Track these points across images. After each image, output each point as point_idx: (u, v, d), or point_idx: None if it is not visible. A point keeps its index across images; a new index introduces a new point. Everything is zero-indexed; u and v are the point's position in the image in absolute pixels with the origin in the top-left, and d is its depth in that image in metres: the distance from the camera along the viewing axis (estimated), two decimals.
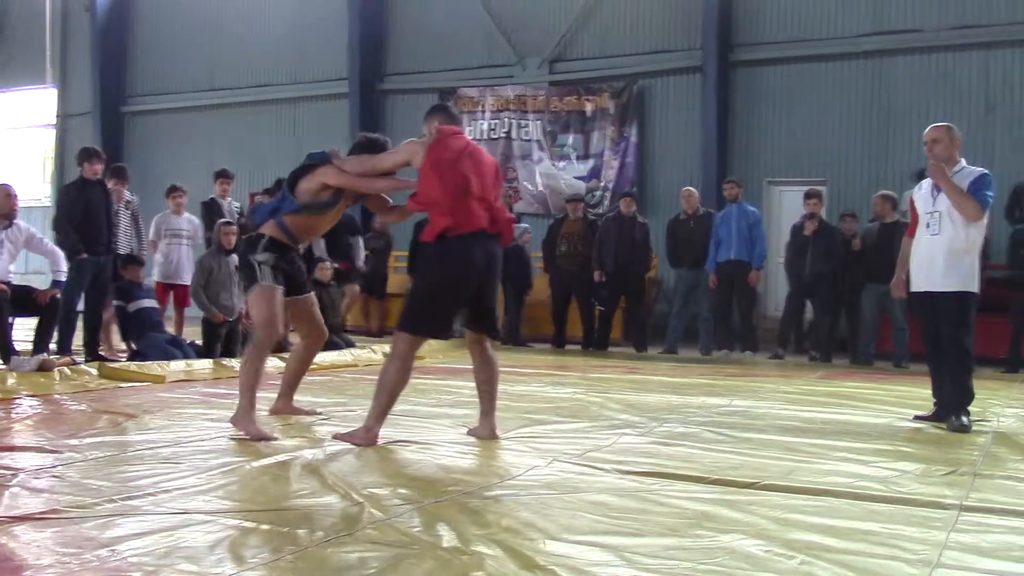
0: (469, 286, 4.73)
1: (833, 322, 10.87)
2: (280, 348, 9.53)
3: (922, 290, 5.83)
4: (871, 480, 4.03)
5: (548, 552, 2.89)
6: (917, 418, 5.93)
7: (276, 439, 4.74)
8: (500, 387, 5.03)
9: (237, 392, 4.92)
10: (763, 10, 14.10)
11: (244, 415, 4.83)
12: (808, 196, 10.87)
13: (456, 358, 7.93)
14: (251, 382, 4.90)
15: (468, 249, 4.67)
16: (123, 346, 9.07)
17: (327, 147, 5.11)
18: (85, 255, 8.37)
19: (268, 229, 5.05)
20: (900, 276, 6.17)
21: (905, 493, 3.79)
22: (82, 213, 8.55)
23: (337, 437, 4.74)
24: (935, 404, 5.94)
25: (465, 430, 5.06)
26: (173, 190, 10.21)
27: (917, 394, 7.39)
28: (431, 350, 10.09)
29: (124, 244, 9.32)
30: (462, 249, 4.66)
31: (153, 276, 9.99)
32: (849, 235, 10.59)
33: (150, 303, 8.95)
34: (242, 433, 4.76)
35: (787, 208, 13.35)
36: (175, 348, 8.47)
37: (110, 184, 9.23)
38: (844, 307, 10.76)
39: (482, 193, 4.75)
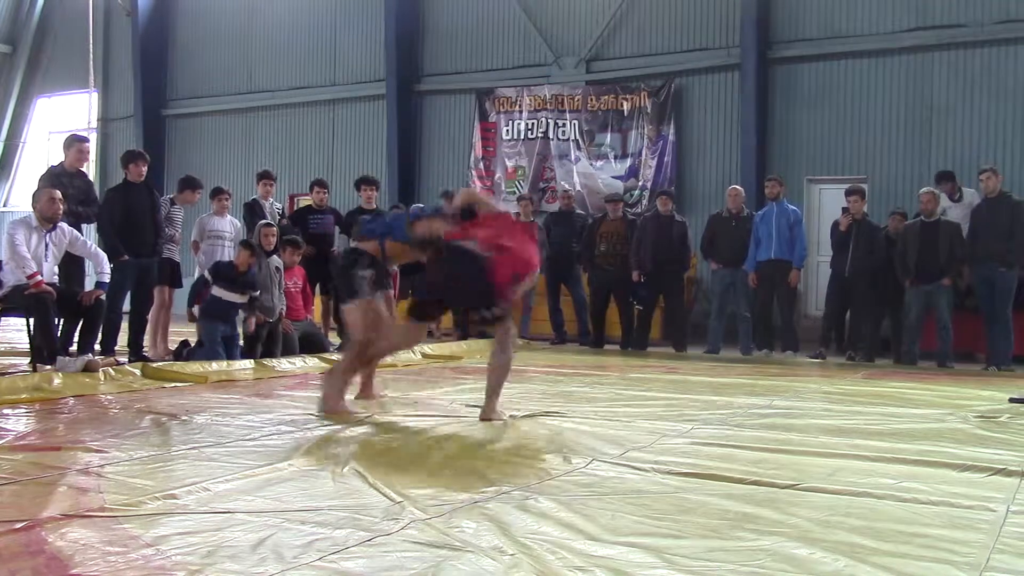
0: None
1: (876, 321, 10.75)
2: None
3: None
4: (915, 481, 3.96)
5: (588, 553, 2.88)
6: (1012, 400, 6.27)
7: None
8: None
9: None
10: (801, 6, 13.96)
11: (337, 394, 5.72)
12: (848, 193, 10.78)
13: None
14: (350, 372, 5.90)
15: None
16: (169, 347, 9.21)
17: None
18: (126, 257, 8.50)
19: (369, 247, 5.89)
20: None
21: (950, 495, 3.72)
22: (123, 215, 8.71)
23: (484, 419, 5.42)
24: None
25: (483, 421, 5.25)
26: (218, 192, 10.32)
27: (962, 394, 7.30)
28: (470, 350, 10.12)
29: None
30: None
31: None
32: (894, 233, 10.46)
33: (237, 299, 8.46)
34: (329, 408, 5.60)
35: (827, 206, 13.23)
36: (227, 347, 8.45)
37: (186, 195, 9.67)
38: (887, 306, 10.62)
39: None
